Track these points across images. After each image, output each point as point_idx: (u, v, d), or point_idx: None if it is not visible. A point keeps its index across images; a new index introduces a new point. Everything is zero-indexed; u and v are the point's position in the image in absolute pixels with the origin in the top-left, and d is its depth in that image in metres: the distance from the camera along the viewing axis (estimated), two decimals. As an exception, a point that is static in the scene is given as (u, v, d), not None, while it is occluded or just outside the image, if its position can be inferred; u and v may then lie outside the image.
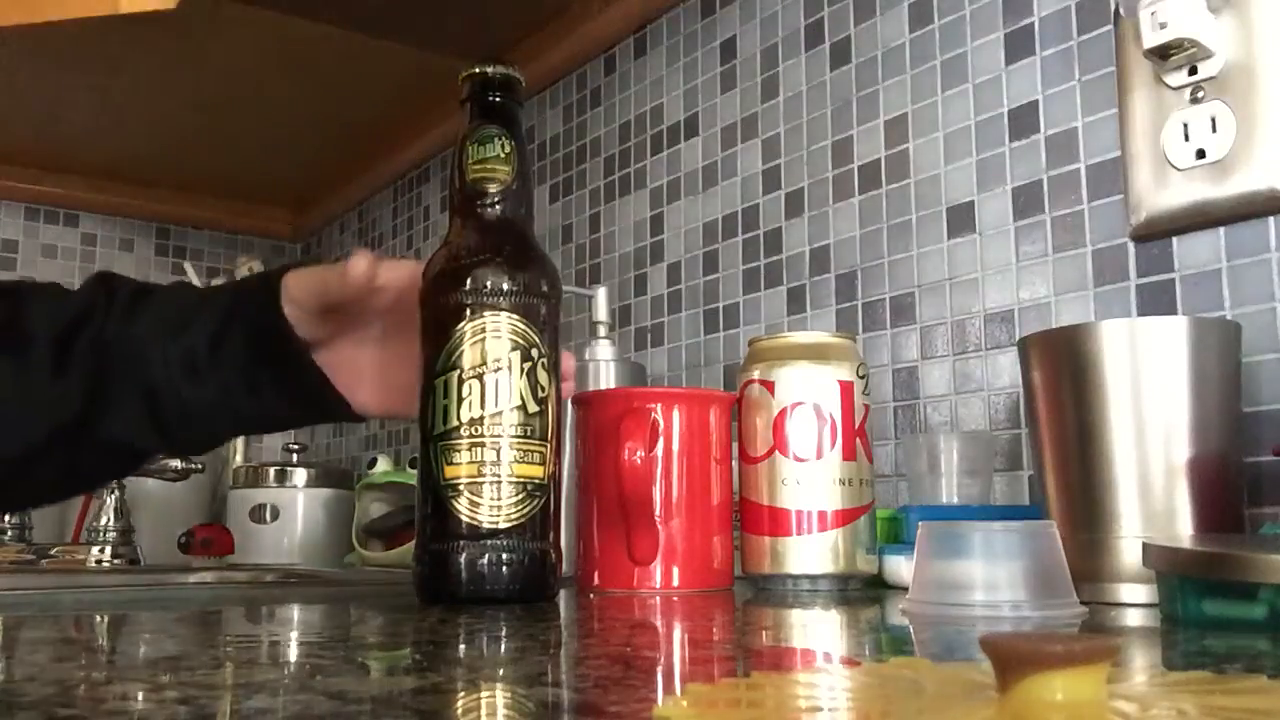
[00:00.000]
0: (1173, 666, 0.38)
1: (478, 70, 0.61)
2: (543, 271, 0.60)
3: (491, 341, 0.57)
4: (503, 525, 0.56)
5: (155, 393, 0.60)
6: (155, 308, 0.62)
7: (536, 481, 0.57)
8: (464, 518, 0.56)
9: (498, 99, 0.61)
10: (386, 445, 1.77)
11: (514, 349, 0.57)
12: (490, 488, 0.56)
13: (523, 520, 0.56)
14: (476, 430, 0.56)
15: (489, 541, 0.56)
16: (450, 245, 0.60)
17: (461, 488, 0.56)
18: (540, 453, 0.57)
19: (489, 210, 0.60)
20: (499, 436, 0.56)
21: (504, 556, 0.56)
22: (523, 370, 0.57)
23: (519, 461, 0.56)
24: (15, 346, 0.61)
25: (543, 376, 0.57)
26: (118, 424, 0.61)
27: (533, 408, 0.57)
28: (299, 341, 0.62)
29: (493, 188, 0.59)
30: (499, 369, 0.57)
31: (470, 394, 0.56)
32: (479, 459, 0.56)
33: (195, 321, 0.61)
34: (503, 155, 0.60)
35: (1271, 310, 0.71)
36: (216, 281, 1.92)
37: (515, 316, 0.57)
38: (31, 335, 0.61)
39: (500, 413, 0.56)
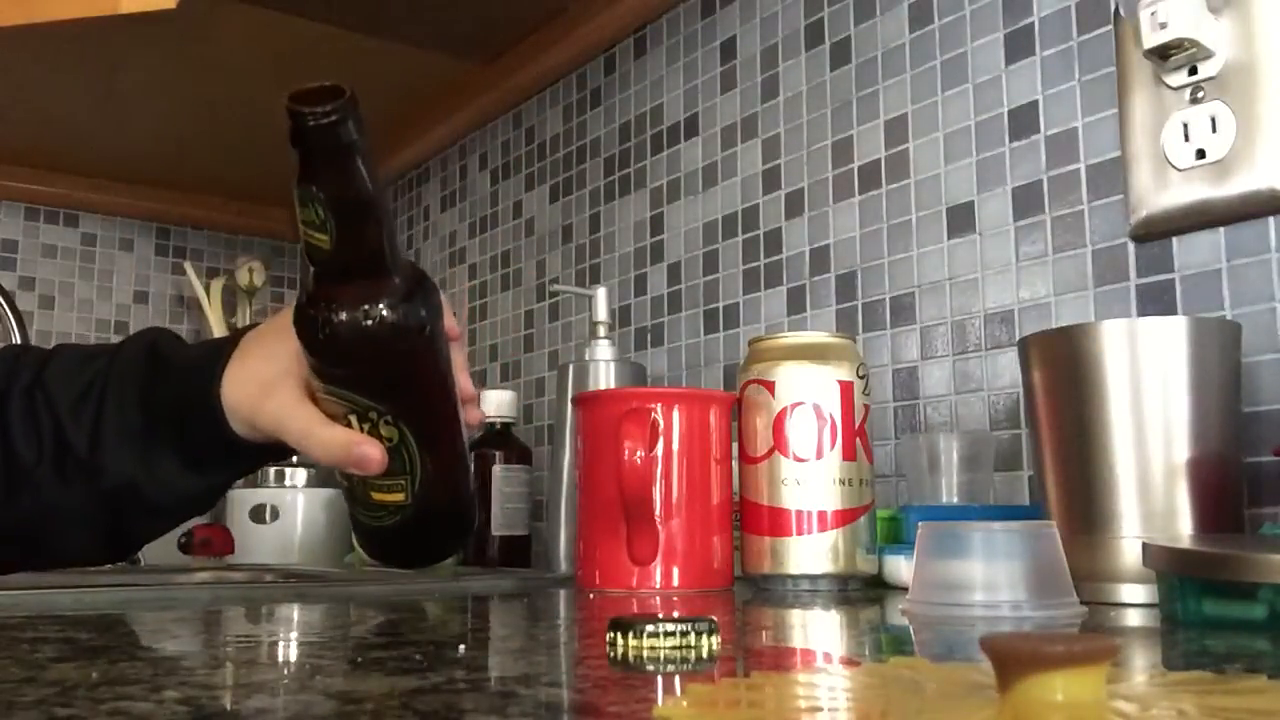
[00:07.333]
0: (1173, 666, 0.38)
1: (290, 106, 0.51)
2: (363, 334, 0.53)
3: (332, 406, 0.58)
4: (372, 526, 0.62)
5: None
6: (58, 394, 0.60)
7: (398, 503, 0.59)
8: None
9: (313, 144, 0.52)
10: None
11: (351, 413, 0.57)
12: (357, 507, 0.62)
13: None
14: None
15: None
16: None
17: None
18: (398, 484, 0.59)
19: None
20: (359, 483, 0.60)
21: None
22: (362, 429, 0.57)
23: (379, 491, 0.59)
24: None
25: (385, 430, 0.57)
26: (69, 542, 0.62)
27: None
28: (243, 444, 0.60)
29: (317, 256, 0.52)
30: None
31: None
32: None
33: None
34: (317, 221, 0.51)
35: (1271, 310, 0.71)
36: (216, 283, 1.91)
37: (334, 392, 0.56)
38: None
39: None
